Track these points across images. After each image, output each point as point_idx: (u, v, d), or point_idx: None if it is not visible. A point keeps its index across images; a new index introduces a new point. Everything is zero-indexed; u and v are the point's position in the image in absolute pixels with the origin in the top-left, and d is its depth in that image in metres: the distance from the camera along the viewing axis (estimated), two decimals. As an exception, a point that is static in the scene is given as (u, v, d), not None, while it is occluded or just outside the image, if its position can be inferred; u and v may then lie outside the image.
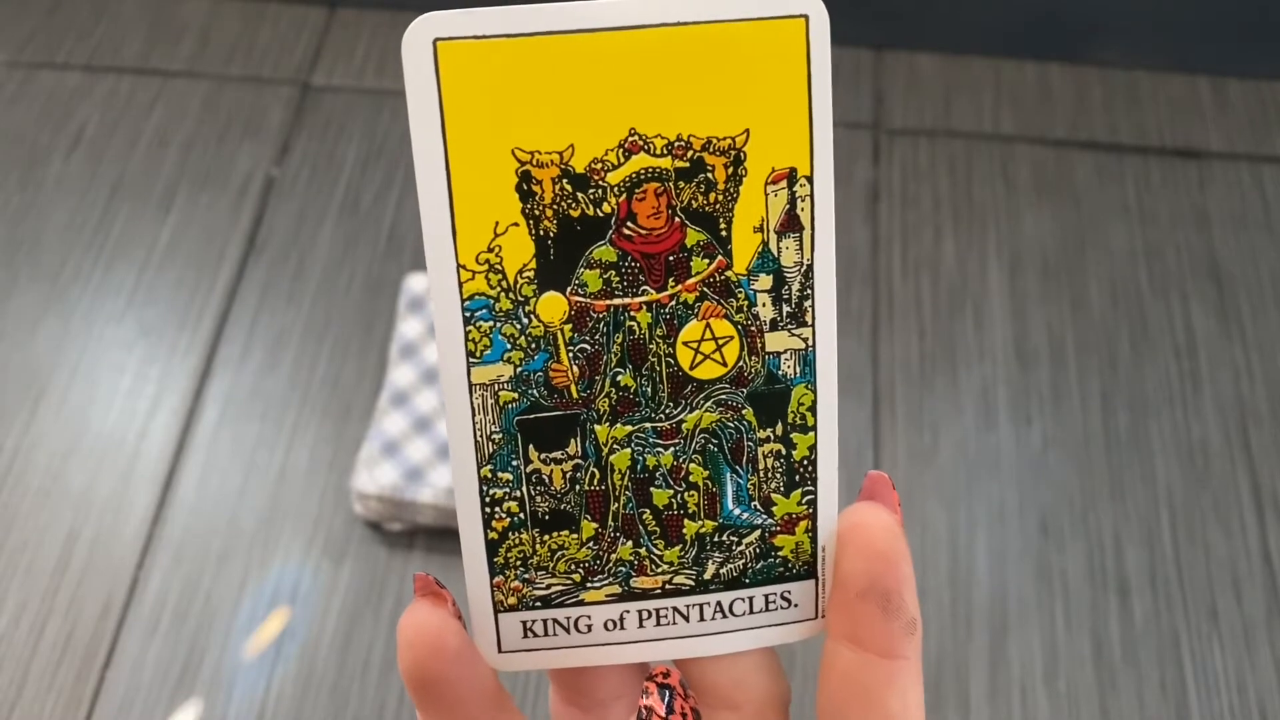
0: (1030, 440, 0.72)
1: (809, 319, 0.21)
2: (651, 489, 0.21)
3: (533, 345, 0.20)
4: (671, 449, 0.21)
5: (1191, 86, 0.88)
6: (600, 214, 0.20)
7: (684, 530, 0.21)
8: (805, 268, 0.20)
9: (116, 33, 0.90)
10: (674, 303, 0.20)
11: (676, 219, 0.20)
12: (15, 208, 0.81)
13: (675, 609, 0.22)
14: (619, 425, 0.21)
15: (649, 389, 0.21)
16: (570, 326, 0.20)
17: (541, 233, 0.20)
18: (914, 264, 0.79)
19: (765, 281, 0.20)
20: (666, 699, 0.19)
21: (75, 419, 0.72)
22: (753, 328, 0.21)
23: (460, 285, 0.20)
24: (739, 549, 0.22)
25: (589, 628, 0.22)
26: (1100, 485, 0.71)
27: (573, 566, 0.21)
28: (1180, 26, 0.88)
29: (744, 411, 0.21)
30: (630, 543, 0.21)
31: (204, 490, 0.69)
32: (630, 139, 0.20)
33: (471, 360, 0.20)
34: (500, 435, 0.21)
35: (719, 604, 0.22)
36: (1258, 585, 0.67)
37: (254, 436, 0.71)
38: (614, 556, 0.21)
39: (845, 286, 0.78)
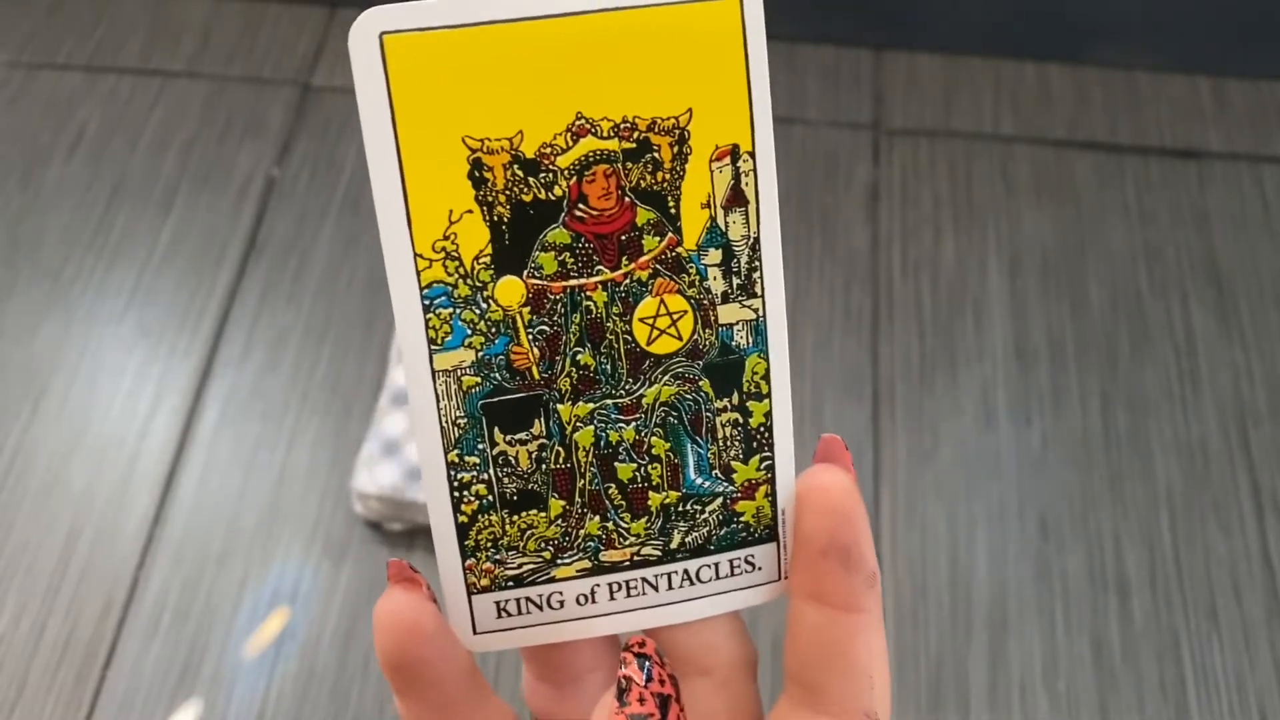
0: (1030, 440, 0.72)
1: (758, 290, 0.21)
2: (615, 464, 0.22)
3: (493, 329, 0.21)
4: (633, 424, 0.21)
5: (1191, 86, 0.88)
6: (552, 197, 0.20)
7: (649, 502, 0.22)
8: (752, 240, 0.21)
9: (117, 33, 0.90)
10: (628, 281, 0.21)
11: (626, 199, 0.20)
12: (16, 208, 0.81)
13: (644, 579, 0.22)
14: (581, 403, 0.21)
15: (608, 366, 0.21)
16: (529, 309, 0.21)
17: (495, 218, 0.20)
18: (914, 264, 0.79)
19: (715, 256, 0.21)
20: (645, 668, 0.20)
21: (76, 419, 0.72)
22: (705, 301, 0.21)
23: (418, 274, 0.20)
24: (703, 517, 0.22)
25: (561, 603, 0.22)
26: (1100, 485, 0.71)
27: (542, 544, 0.22)
28: (1180, 26, 0.88)
29: (701, 383, 0.21)
30: (597, 517, 0.22)
31: (204, 490, 0.69)
32: (578, 123, 0.20)
33: (433, 347, 0.21)
34: (465, 420, 0.21)
35: (686, 572, 0.22)
36: (1257, 585, 0.67)
37: (254, 436, 0.71)
38: (582, 532, 0.22)
39: (845, 286, 0.78)
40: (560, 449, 0.21)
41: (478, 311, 0.21)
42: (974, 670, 0.65)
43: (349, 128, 0.84)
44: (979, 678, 0.64)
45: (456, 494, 0.21)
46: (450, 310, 0.20)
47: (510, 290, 0.21)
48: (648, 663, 0.20)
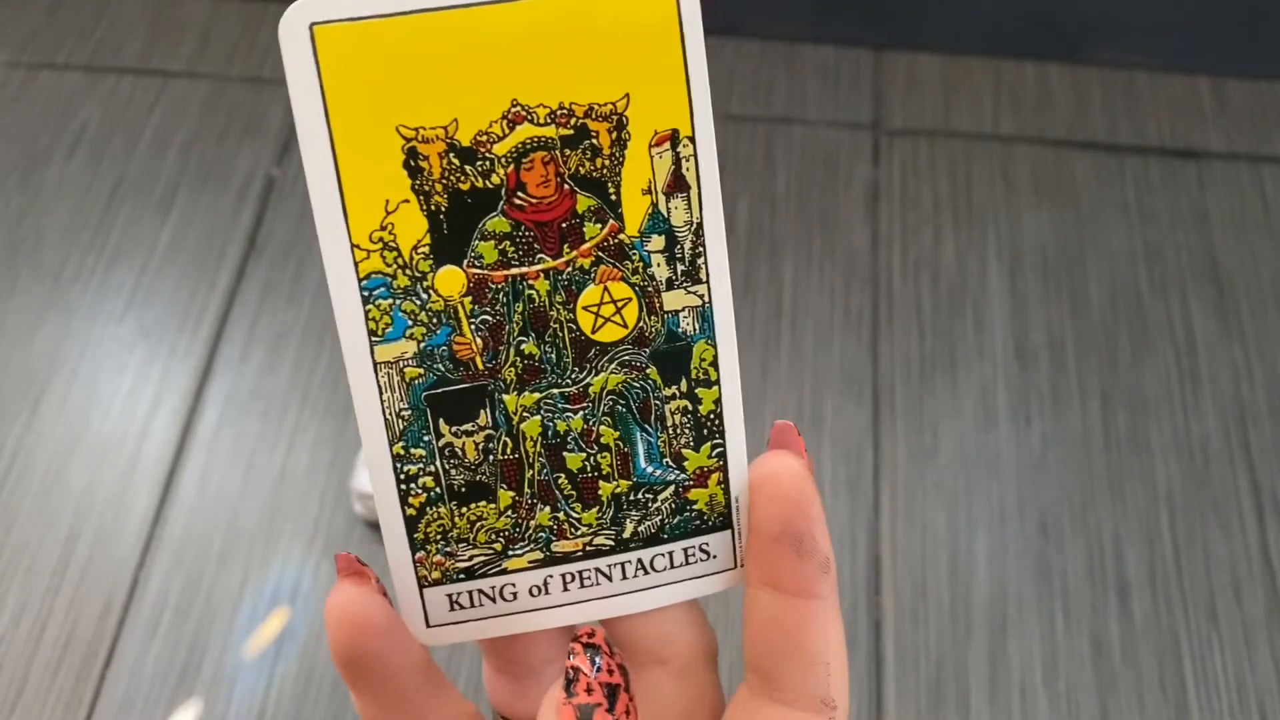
0: (1030, 440, 0.72)
1: (703, 276, 0.21)
2: (564, 453, 0.21)
3: (434, 320, 0.20)
4: (581, 413, 0.21)
5: (1191, 86, 0.88)
6: (490, 185, 0.20)
7: (600, 492, 0.22)
8: (695, 226, 0.21)
9: (117, 33, 0.90)
10: (570, 269, 0.21)
11: (566, 186, 0.20)
12: (16, 208, 0.81)
13: (598, 570, 0.22)
14: (527, 393, 0.21)
15: (554, 355, 0.21)
16: (470, 299, 0.20)
17: (433, 208, 0.20)
18: (914, 264, 0.79)
19: (658, 242, 0.21)
20: (593, 658, 0.20)
21: (76, 419, 0.72)
22: (649, 288, 0.21)
23: (356, 265, 0.20)
24: (655, 506, 0.22)
25: (514, 595, 0.22)
26: (1100, 485, 0.71)
27: (493, 536, 0.21)
28: (1180, 26, 0.88)
29: (648, 371, 0.21)
30: (548, 508, 0.21)
31: (204, 490, 0.69)
32: (513, 110, 0.20)
33: (374, 339, 0.20)
34: (410, 412, 0.21)
35: (640, 561, 0.22)
36: (1257, 585, 0.67)
37: (254, 437, 0.71)
38: (533, 523, 0.22)
39: (845, 286, 0.78)
40: (508, 439, 0.21)
41: (418, 302, 0.20)
42: (974, 670, 0.65)
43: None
44: (979, 678, 0.64)
45: (404, 486, 0.21)
46: (390, 301, 0.20)
47: (451, 280, 0.20)
48: (596, 653, 0.20)
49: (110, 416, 0.72)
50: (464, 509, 0.21)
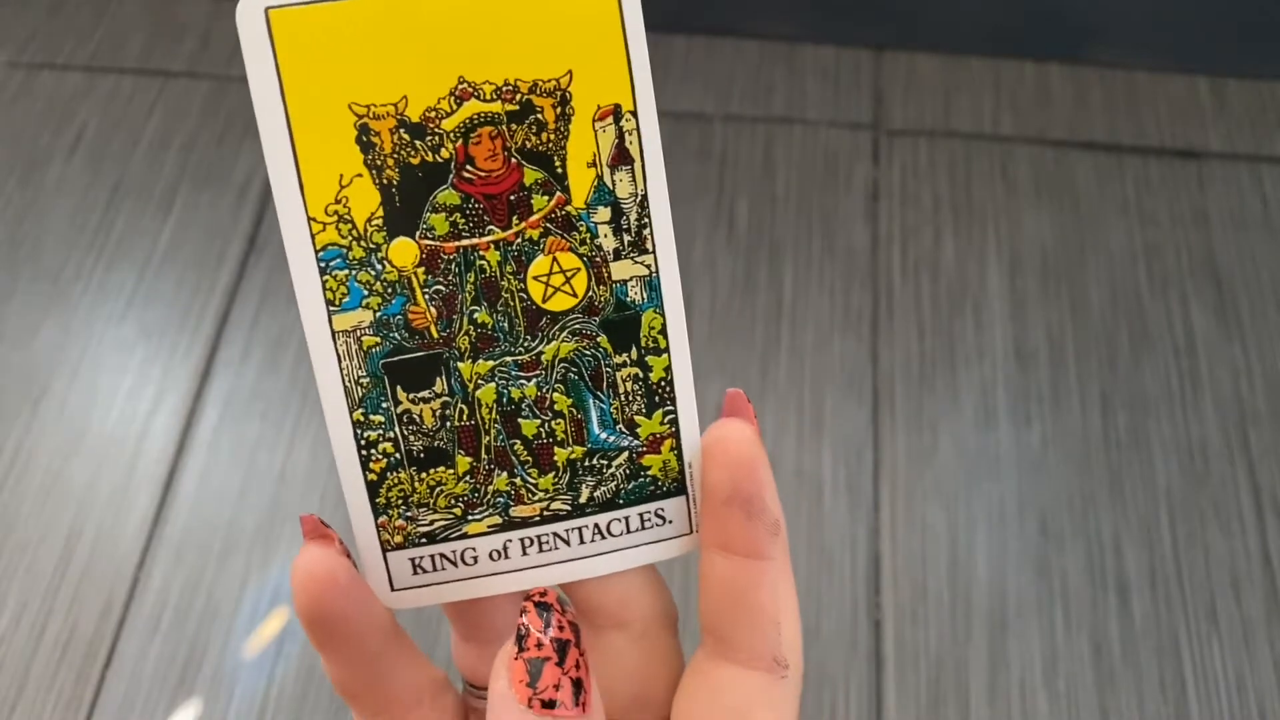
0: (1030, 440, 0.72)
1: (650, 246, 0.22)
2: (519, 420, 0.22)
3: (389, 290, 0.21)
4: (534, 380, 0.22)
5: (1191, 87, 0.88)
6: (439, 160, 0.21)
7: (555, 458, 0.22)
8: (640, 198, 0.21)
9: (117, 33, 0.90)
10: (520, 240, 0.21)
11: (513, 160, 0.21)
12: (16, 208, 0.81)
13: (555, 534, 0.22)
14: (481, 361, 0.22)
15: (505, 324, 0.22)
16: (423, 270, 0.21)
17: (385, 181, 0.21)
18: (914, 264, 0.79)
19: (604, 214, 0.21)
20: (544, 615, 0.20)
21: (76, 419, 0.72)
22: (597, 258, 0.22)
23: (312, 237, 0.21)
24: (610, 471, 0.22)
25: (475, 559, 0.22)
26: (1100, 485, 0.71)
27: (452, 501, 0.22)
28: (1180, 26, 0.88)
29: (599, 339, 0.22)
30: (505, 473, 0.22)
31: (205, 490, 0.69)
32: (460, 87, 0.20)
33: (331, 308, 0.21)
34: (368, 379, 0.21)
35: (596, 526, 0.23)
36: (1257, 585, 0.67)
37: (254, 437, 0.71)
38: (491, 488, 0.22)
39: (845, 286, 0.78)
40: (464, 406, 0.22)
41: (373, 273, 0.21)
42: (974, 670, 0.65)
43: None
44: (979, 678, 0.64)
45: (364, 452, 0.22)
46: (346, 272, 0.21)
47: (404, 251, 0.21)
48: (547, 611, 0.20)
49: (110, 416, 0.72)
50: (423, 474, 0.22)
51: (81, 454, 0.71)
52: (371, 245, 0.21)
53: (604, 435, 0.22)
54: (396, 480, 0.22)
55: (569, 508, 0.22)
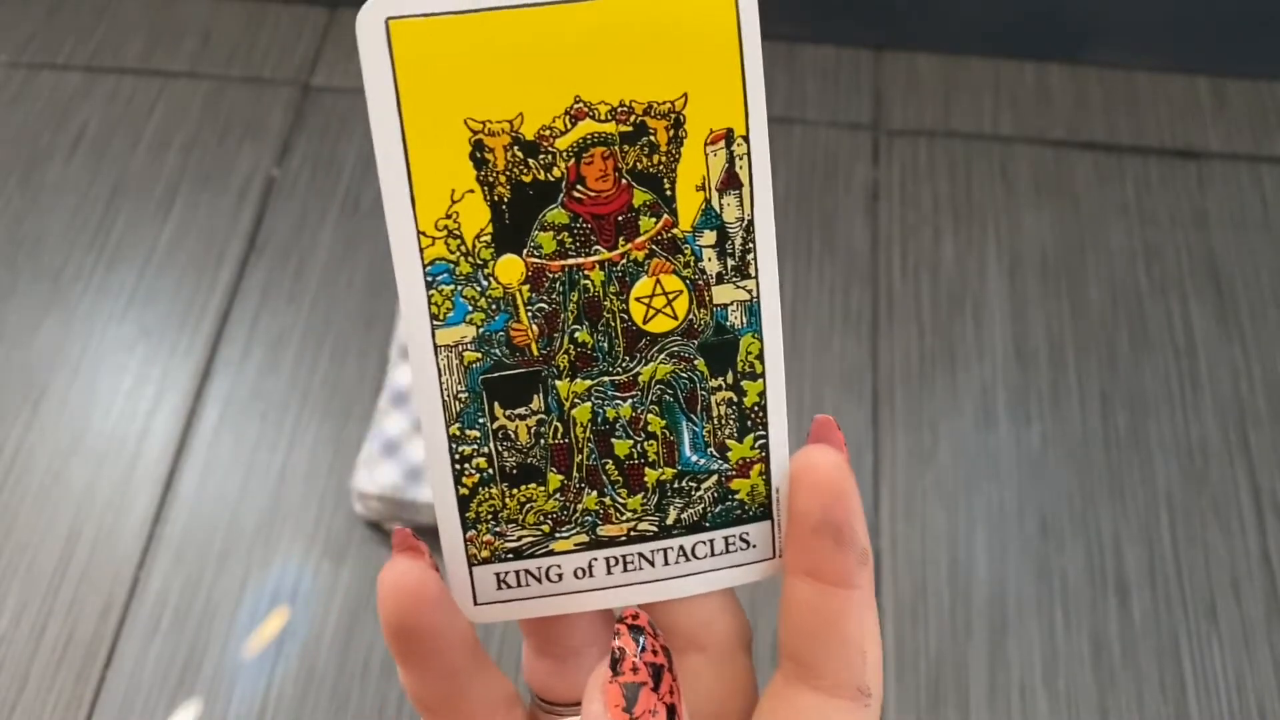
0: (1030, 440, 0.72)
1: (752, 271, 0.22)
2: (612, 440, 0.22)
3: (493, 306, 0.21)
4: (630, 400, 0.22)
5: (1191, 86, 0.88)
6: (551, 178, 0.21)
7: (645, 478, 0.22)
8: (746, 223, 0.21)
9: (117, 33, 0.90)
10: (625, 261, 0.21)
11: (624, 181, 0.21)
12: (16, 208, 0.81)
13: (641, 554, 0.22)
14: (579, 380, 0.22)
15: (605, 344, 0.22)
16: (528, 287, 0.21)
17: (496, 198, 0.21)
18: (914, 264, 0.79)
19: (709, 237, 0.21)
20: (638, 639, 0.20)
21: (76, 419, 0.72)
22: (700, 282, 0.22)
23: (421, 251, 0.21)
24: (698, 494, 0.22)
25: (559, 576, 0.22)
26: (1100, 485, 0.71)
27: (541, 518, 0.22)
28: (1180, 26, 0.88)
29: (696, 362, 0.22)
30: (595, 492, 0.22)
31: (204, 490, 0.69)
32: (576, 106, 0.20)
33: (435, 323, 0.21)
34: (466, 394, 0.21)
35: (682, 548, 0.23)
36: (1257, 585, 0.67)
37: (254, 437, 0.71)
38: (580, 506, 0.22)
39: (845, 286, 0.78)
40: (558, 424, 0.22)
41: (478, 288, 0.21)
42: (974, 670, 0.65)
43: (349, 128, 0.84)
44: (979, 678, 0.64)
45: (458, 467, 0.22)
46: (452, 287, 0.21)
47: (510, 268, 0.21)
48: (641, 634, 0.20)
49: (110, 416, 0.72)
50: (514, 490, 0.22)
51: (81, 454, 0.71)
52: (479, 261, 0.21)
53: (695, 458, 0.22)
54: (488, 495, 0.22)
55: (656, 529, 0.22)
